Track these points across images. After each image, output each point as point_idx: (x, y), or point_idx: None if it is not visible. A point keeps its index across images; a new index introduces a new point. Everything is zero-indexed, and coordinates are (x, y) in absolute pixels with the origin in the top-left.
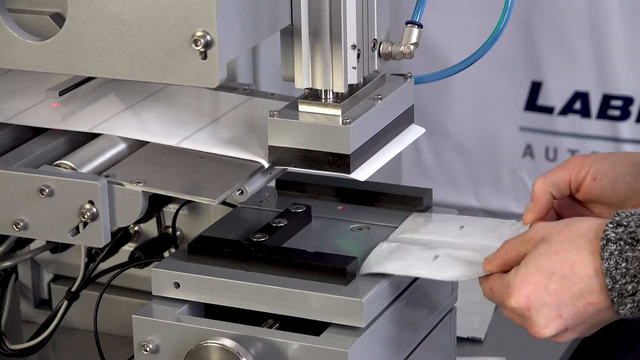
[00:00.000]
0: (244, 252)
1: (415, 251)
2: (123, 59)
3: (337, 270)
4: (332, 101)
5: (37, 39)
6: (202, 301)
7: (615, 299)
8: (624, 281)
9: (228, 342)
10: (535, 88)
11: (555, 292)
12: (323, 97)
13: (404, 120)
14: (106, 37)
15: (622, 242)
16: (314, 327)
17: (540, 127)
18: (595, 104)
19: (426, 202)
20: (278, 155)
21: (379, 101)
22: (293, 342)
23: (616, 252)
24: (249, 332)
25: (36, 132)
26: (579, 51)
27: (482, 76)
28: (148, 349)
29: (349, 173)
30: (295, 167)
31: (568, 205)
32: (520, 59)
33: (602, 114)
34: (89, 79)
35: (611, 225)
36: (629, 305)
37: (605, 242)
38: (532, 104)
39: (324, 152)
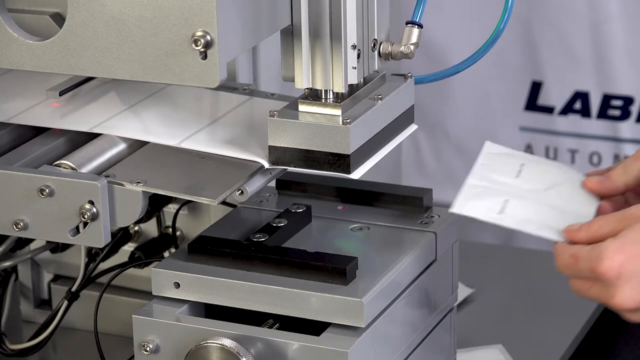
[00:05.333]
0: (244, 252)
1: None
2: (123, 59)
3: (337, 270)
4: (332, 101)
5: (37, 39)
6: (202, 301)
7: None
8: None
9: (228, 342)
10: (535, 88)
11: None
12: (323, 97)
13: (404, 120)
14: (106, 37)
15: None
16: (314, 327)
17: (540, 127)
18: (595, 104)
19: (426, 202)
20: (278, 155)
21: (379, 101)
22: (293, 342)
23: None
24: (249, 332)
25: (36, 132)
26: (579, 51)
27: (482, 76)
28: (148, 349)
29: (349, 173)
30: (295, 167)
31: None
32: (520, 59)
33: (602, 114)
34: (89, 79)
35: None
36: None
37: None
38: (532, 104)
39: (324, 152)
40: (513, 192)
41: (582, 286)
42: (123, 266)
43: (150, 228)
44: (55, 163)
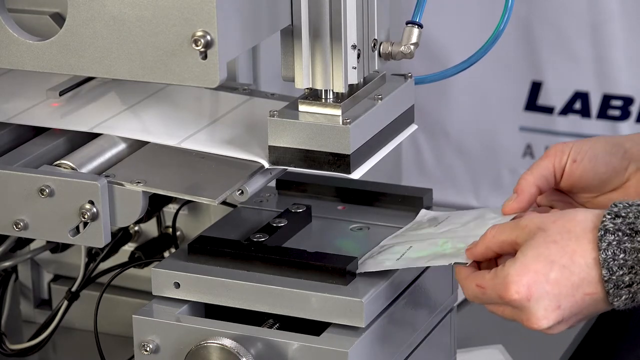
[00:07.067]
0: (244, 252)
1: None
2: (123, 59)
3: (337, 270)
4: (332, 101)
5: (37, 39)
6: (202, 301)
7: (611, 291)
8: (621, 272)
9: (228, 342)
10: (535, 88)
11: (555, 281)
12: (323, 97)
13: (404, 120)
14: (106, 37)
15: (620, 233)
16: (314, 327)
17: (540, 127)
18: (595, 104)
19: (426, 202)
20: (278, 155)
21: (379, 101)
22: (293, 342)
23: (614, 243)
24: (249, 332)
25: (36, 132)
26: (579, 51)
27: (482, 76)
28: (148, 349)
29: (349, 173)
30: (295, 167)
31: (556, 198)
32: (520, 59)
33: (602, 114)
34: (89, 79)
35: (609, 216)
36: (624, 297)
37: (603, 232)
38: (532, 104)
39: (324, 152)
40: (421, 238)
41: (497, 311)
42: (123, 266)
43: (150, 228)
44: (55, 163)
